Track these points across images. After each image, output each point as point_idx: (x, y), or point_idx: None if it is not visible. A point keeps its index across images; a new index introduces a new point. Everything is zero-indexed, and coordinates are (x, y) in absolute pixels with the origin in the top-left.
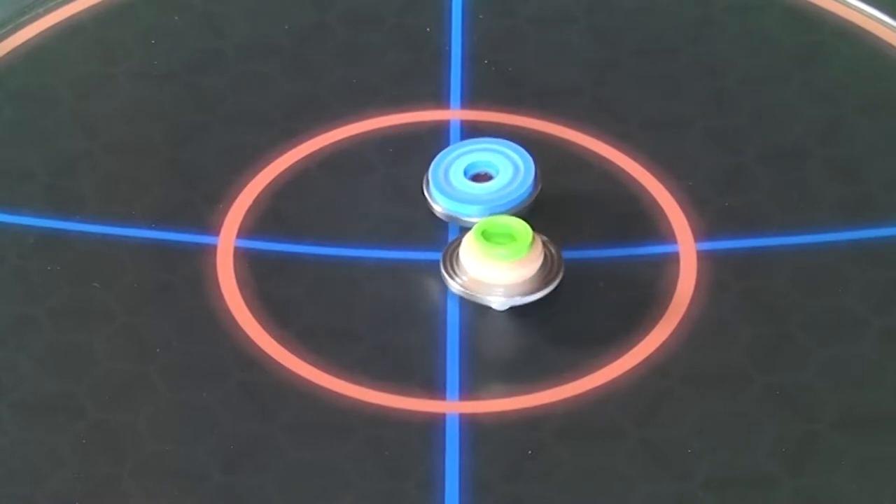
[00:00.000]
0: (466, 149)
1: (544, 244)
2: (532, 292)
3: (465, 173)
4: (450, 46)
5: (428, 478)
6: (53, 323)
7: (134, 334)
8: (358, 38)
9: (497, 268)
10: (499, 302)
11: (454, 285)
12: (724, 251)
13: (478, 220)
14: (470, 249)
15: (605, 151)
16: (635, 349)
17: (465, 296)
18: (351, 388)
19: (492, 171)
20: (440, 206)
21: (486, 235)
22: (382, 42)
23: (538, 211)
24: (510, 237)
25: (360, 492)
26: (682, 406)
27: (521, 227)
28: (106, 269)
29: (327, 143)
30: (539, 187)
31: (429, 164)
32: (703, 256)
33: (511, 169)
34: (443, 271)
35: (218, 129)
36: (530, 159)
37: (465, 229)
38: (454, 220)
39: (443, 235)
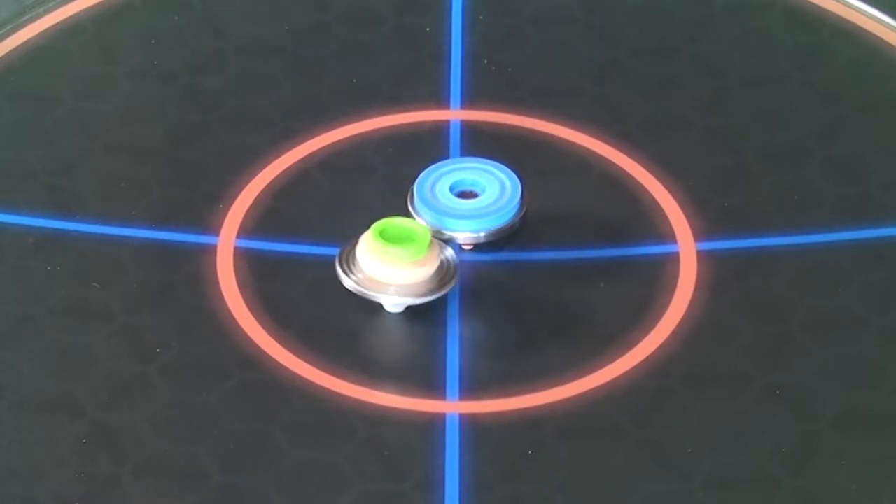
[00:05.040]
0: (454, 166)
1: (441, 248)
2: (426, 294)
3: (451, 190)
4: (450, 46)
5: (428, 478)
6: (53, 323)
7: (134, 334)
8: (358, 38)
9: (392, 268)
10: (392, 302)
11: (349, 282)
12: (724, 251)
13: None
14: (367, 248)
15: (605, 151)
16: (635, 349)
17: (359, 293)
18: (351, 388)
19: (478, 190)
20: (424, 220)
21: (384, 235)
22: (382, 42)
23: (538, 211)
24: (408, 238)
25: (360, 492)
26: (682, 406)
27: (420, 230)
28: (106, 269)
29: (327, 143)
30: (525, 209)
31: (428, 165)
32: (703, 256)
33: (498, 188)
34: (337, 267)
35: (218, 129)
36: (518, 181)
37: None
38: (437, 234)
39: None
